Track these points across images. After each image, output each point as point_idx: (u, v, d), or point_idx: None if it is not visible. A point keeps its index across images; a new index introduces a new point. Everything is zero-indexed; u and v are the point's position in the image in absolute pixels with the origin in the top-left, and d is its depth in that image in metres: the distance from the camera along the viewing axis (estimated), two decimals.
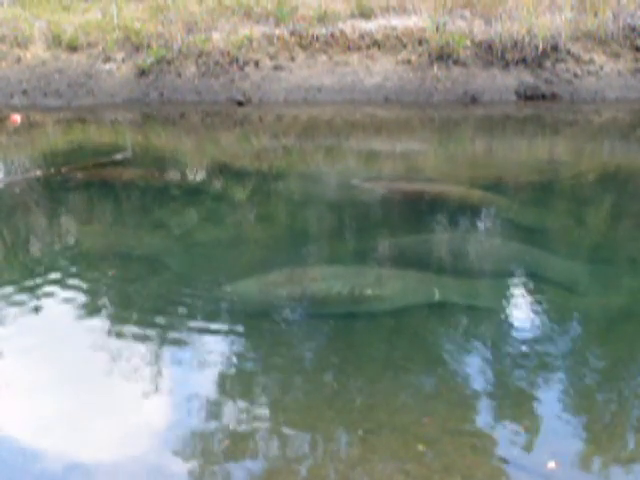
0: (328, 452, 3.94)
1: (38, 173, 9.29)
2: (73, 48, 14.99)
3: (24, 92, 14.54)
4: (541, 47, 13.82)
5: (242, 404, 4.40)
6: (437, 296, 5.59)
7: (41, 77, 14.71)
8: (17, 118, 12.82)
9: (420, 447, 3.92)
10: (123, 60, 14.80)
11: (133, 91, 14.43)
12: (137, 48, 14.81)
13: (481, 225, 7.32)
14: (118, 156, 10.05)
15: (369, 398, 4.41)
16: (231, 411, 4.34)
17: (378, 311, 5.51)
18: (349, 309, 5.52)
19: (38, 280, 6.27)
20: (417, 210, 7.60)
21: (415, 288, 5.74)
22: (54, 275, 6.40)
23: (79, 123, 13.34)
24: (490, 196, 7.85)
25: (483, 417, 4.23)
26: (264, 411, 4.35)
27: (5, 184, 9.22)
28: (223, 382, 4.65)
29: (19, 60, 14.99)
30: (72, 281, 6.21)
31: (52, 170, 9.34)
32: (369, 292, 5.62)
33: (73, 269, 6.60)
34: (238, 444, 4.03)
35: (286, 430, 4.13)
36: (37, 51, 15.11)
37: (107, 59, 14.82)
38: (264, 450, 3.98)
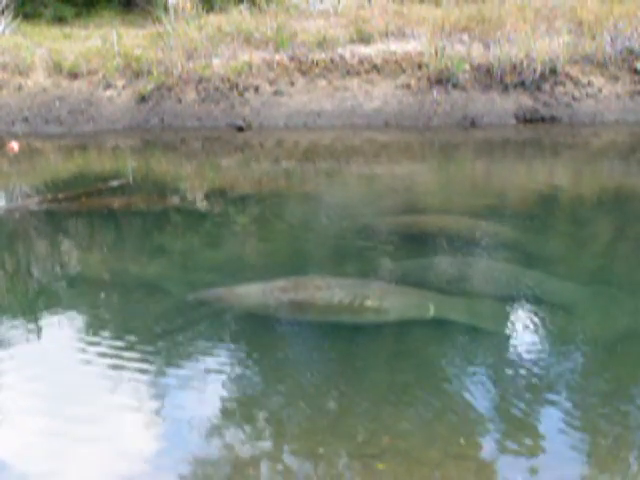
0: (331, 477, 3.91)
1: (36, 200, 9.28)
2: (74, 75, 15.07)
3: (25, 119, 14.61)
4: (539, 70, 13.90)
5: (243, 428, 4.38)
6: (437, 313, 5.60)
7: (42, 104, 14.78)
8: (15, 146, 12.82)
9: (424, 471, 3.89)
10: (124, 87, 14.88)
11: (134, 117, 14.49)
12: (137, 75, 14.90)
13: (482, 250, 7.31)
14: (114, 182, 10.05)
15: (372, 422, 4.38)
16: (231, 435, 4.32)
17: (377, 323, 5.59)
18: (349, 319, 5.60)
19: (36, 307, 6.27)
20: (419, 237, 7.60)
21: (416, 303, 5.78)
22: (52, 302, 6.40)
23: (80, 150, 13.38)
24: (491, 225, 7.84)
25: (487, 441, 4.20)
26: (265, 435, 4.32)
27: (2, 211, 9.23)
28: (224, 406, 4.63)
29: (20, 88, 15.07)
30: (71, 307, 6.21)
31: (49, 197, 9.34)
32: (369, 303, 5.69)
33: (71, 296, 6.60)
34: (238, 469, 4.00)
35: (288, 455, 4.10)
36: (38, 79, 15.19)
37: (108, 86, 14.90)
38: (265, 475, 3.95)
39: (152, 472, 4.06)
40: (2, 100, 14.94)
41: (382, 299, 5.81)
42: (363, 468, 3.94)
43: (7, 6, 17.04)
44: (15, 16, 17.27)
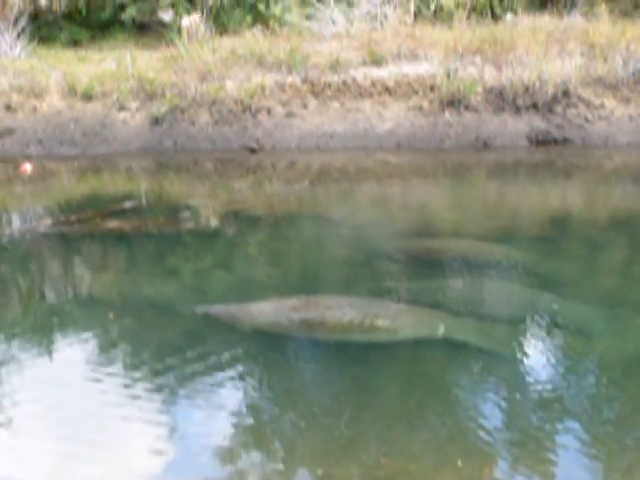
0: None
1: (48, 222, 9.32)
2: (88, 97, 15.17)
3: (40, 141, 14.70)
4: (552, 92, 13.90)
5: (255, 450, 4.37)
6: (448, 334, 5.61)
7: (56, 126, 14.88)
8: (27, 167, 12.90)
9: None
10: (137, 109, 14.97)
11: (147, 139, 14.57)
12: (151, 97, 14.98)
13: (495, 273, 7.29)
14: (127, 204, 10.08)
15: (384, 445, 4.36)
16: (242, 457, 4.30)
17: (387, 342, 5.60)
18: (359, 338, 5.63)
19: (48, 329, 6.29)
20: (431, 261, 7.57)
21: (426, 323, 5.80)
22: (64, 324, 6.42)
23: (93, 172, 13.45)
24: (504, 248, 7.82)
25: (499, 465, 4.17)
26: (276, 457, 4.30)
27: (15, 233, 9.26)
28: (234, 427, 4.62)
29: (35, 110, 15.18)
30: (83, 329, 6.22)
31: (62, 219, 9.38)
32: (379, 322, 5.72)
33: (83, 318, 6.62)
34: None
35: (298, 477, 4.08)
36: (53, 101, 15.30)
37: (122, 108, 14.99)
38: None
39: None
40: (17, 122, 15.05)
41: (392, 318, 5.82)
42: None
43: (23, 30, 17.22)
44: (31, 39, 17.44)
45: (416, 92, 14.53)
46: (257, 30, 17.07)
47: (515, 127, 13.97)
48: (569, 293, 6.54)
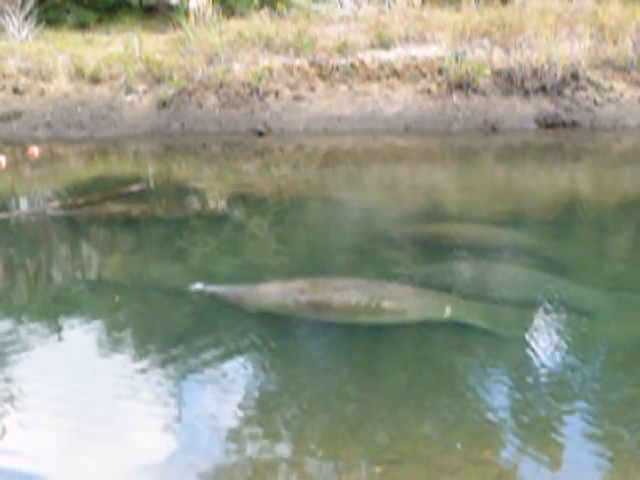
0: None
1: (55, 205, 9.32)
2: (95, 80, 15.18)
3: (47, 124, 14.72)
4: (561, 75, 13.83)
5: (262, 433, 4.37)
6: (455, 316, 5.61)
7: (64, 109, 14.90)
8: (35, 151, 12.93)
9: (444, 477, 3.87)
10: (145, 92, 14.97)
11: (154, 122, 14.57)
12: (158, 80, 14.98)
13: (504, 257, 7.27)
14: (135, 187, 10.06)
15: (391, 428, 4.36)
16: (251, 440, 4.31)
17: (393, 323, 5.62)
18: (366, 320, 5.65)
19: (57, 311, 6.30)
20: (439, 244, 7.54)
21: (432, 305, 5.81)
22: (74, 306, 6.44)
23: (101, 154, 13.46)
24: (513, 232, 7.80)
25: (506, 447, 4.17)
26: (284, 440, 4.31)
27: (22, 216, 9.27)
28: (243, 411, 4.63)
29: (43, 93, 15.20)
30: (91, 312, 6.24)
31: (69, 202, 9.39)
32: (386, 304, 5.73)
33: (92, 301, 6.62)
34: (257, 475, 4.00)
35: (307, 460, 4.09)
36: (60, 84, 15.31)
37: (129, 91, 14.99)
38: None
39: (170, 477, 4.07)
40: (25, 105, 15.07)
41: (399, 300, 5.83)
42: (383, 474, 3.93)
43: (30, 12, 17.20)
44: (38, 22, 17.43)
45: (424, 75, 14.49)
46: (264, 13, 17.03)
47: (523, 110, 13.91)
48: (576, 276, 6.53)
